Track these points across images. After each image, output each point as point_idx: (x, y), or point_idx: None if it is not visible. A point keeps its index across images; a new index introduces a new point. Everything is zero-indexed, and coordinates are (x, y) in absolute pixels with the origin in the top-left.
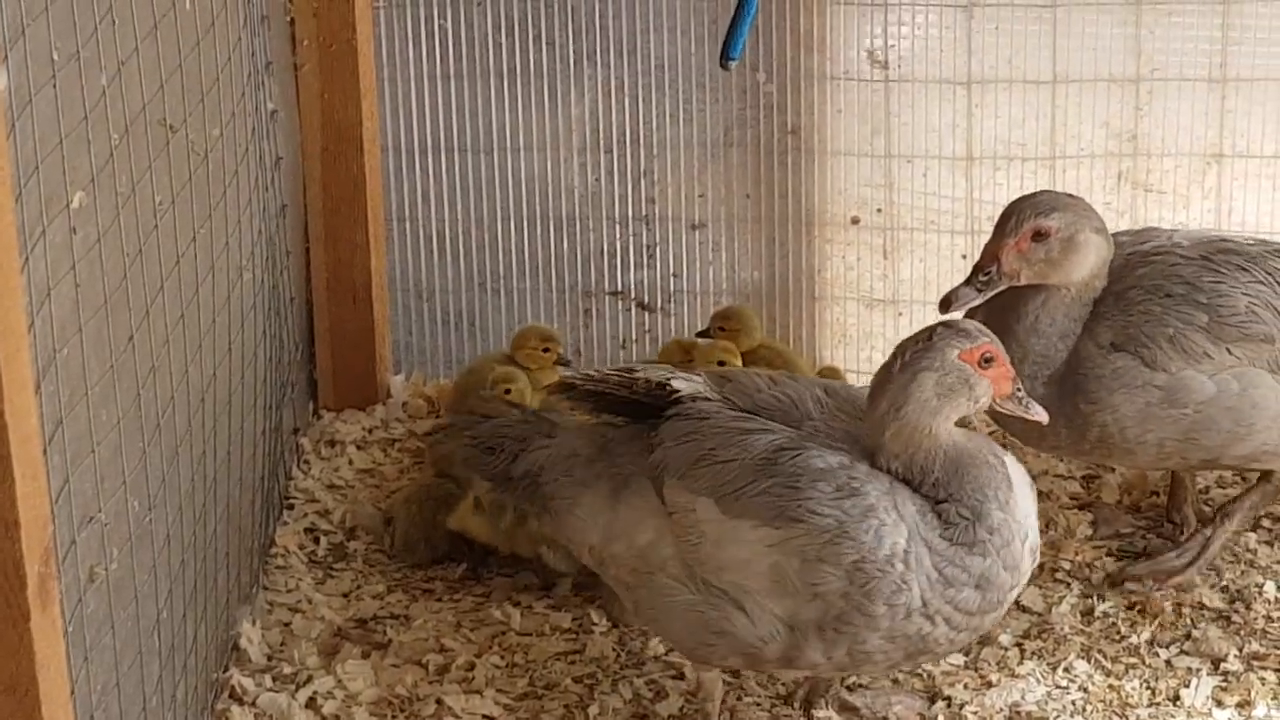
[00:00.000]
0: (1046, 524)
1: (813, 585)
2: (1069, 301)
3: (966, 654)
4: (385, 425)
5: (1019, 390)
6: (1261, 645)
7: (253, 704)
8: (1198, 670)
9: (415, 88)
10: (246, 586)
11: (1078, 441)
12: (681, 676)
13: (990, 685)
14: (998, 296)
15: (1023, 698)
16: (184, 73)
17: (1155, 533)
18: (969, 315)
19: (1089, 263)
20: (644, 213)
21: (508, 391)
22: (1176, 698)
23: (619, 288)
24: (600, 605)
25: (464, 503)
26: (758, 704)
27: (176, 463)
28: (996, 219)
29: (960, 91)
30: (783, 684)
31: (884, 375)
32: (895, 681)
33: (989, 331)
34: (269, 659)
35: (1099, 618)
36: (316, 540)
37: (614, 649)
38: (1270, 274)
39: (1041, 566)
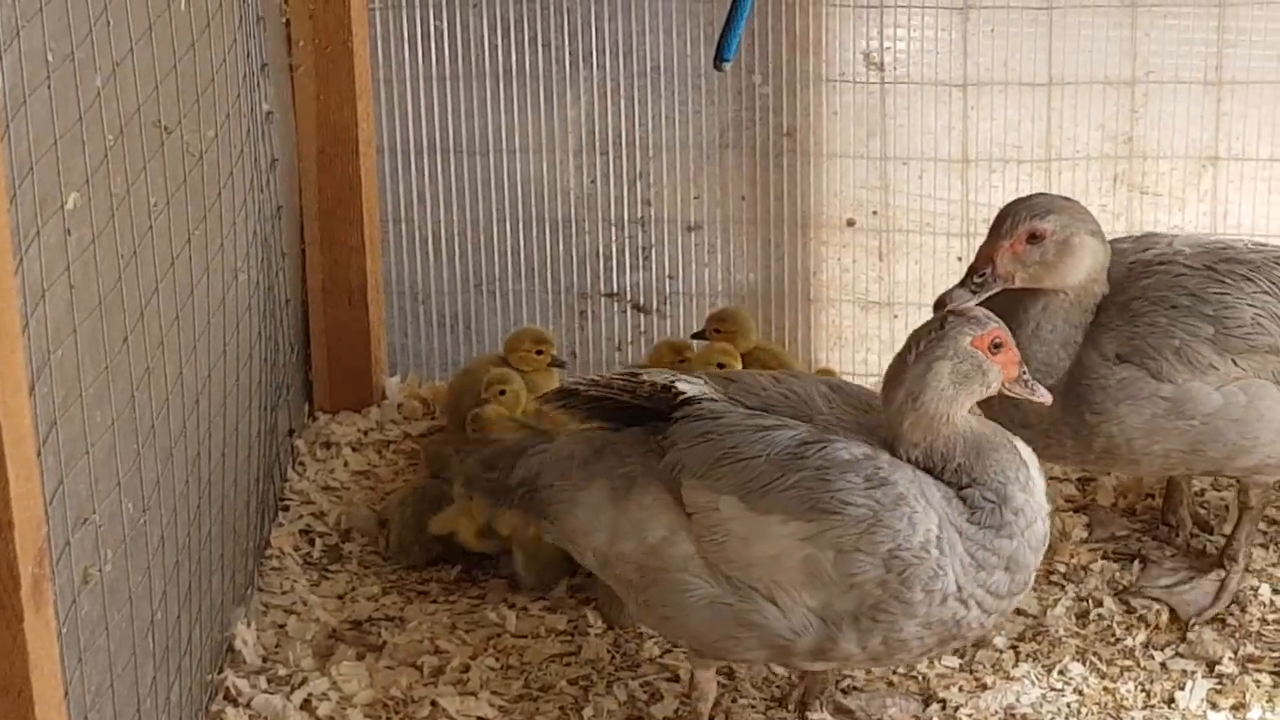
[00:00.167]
0: None
1: (849, 576)
2: (1069, 306)
3: (961, 656)
4: (380, 427)
5: (1024, 373)
6: (1256, 648)
7: (247, 706)
8: (1193, 673)
9: (411, 89)
10: (241, 588)
11: (1083, 452)
12: (676, 679)
13: (985, 688)
14: (997, 303)
15: (1018, 700)
16: (179, 74)
17: (1151, 535)
18: None
19: (1084, 266)
20: (639, 214)
21: (502, 393)
22: (1171, 700)
23: (615, 289)
24: (596, 607)
25: (450, 507)
26: (752, 706)
27: (171, 464)
28: (992, 221)
29: (956, 94)
30: (778, 685)
31: (899, 366)
32: (890, 684)
33: (996, 317)
34: (264, 660)
35: (1094, 620)
36: (311, 542)
37: (609, 651)
38: (1275, 284)
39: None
